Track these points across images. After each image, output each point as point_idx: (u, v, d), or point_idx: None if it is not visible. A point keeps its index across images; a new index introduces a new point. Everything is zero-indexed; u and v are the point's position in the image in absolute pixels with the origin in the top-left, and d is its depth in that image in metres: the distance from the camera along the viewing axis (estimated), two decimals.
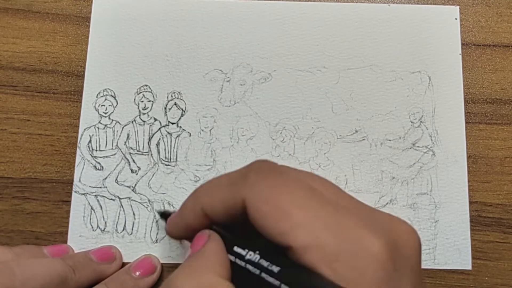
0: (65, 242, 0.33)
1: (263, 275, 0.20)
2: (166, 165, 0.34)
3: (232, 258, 0.22)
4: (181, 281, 0.21)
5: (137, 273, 0.31)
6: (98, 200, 0.33)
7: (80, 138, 0.34)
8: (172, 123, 0.35)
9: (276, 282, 0.19)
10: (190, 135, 0.34)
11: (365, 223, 0.20)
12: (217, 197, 0.23)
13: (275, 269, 0.20)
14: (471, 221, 0.33)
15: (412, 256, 0.21)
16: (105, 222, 0.33)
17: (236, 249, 0.22)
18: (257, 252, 0.21)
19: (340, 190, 0.23)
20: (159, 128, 0.35)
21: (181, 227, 0.25)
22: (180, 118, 0.35)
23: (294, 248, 0.20)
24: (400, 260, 0.20)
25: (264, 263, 0.20)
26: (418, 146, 0.34)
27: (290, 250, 0.20)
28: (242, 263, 0.21)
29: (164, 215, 0.28)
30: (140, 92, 0.35)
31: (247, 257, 0.21)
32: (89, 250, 0.32)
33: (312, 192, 0.21)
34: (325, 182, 0.23)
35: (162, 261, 0.32)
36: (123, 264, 0.32)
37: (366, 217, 0.21)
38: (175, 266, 0.32)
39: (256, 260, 0.20)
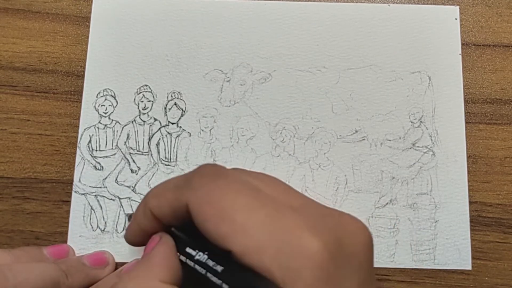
0: (65, 242, 0.33)
1: (208, 275, 0.21)
2: (166, 165, 0.34)
3: (183, 258, 0.22)
4: (128, 284, 0.21)
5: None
6: (98, 200, 0.33)
7: (80, 138, 0.34)
8: (172, 123, 0.35)
9: (218, 282, 0.20)
10: (190, 135, 0.34)
11: (307, 223, 0.20)
12: (164, 200, 0.23)
13: (219, 268, 0.20)
14: (471, 221, 0.33)
15: (360, 252, 0.21)
16: (105, 222, 0.33)
17: (187, 249, 0.22)
18: (206, 252, 0.21)
19: (291, 189, 0.23)
20: (159, 128, 0.35)
21: (135, 232, 0.25)
22: (180, 118, 0.35)
23: (234, 251, 0.20)
24: (344, 258, 0.20)
25: (210, 263, 0.21)
26: (418, 146, 0.34)
27: (232, 253, 0.20)
28: (191, 264, 0.22)
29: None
30: (140, 92, 0.35)
31: (196, 257, 0.22)
32: (82, 255, 0.32)
33: (256, 194, 0.21)
34: (275, 182, 0.23)
35: None
36: (119, 265, 0.32)
37: (311, 217, 0.21)
38: None
39: (204, 260, 0.21)
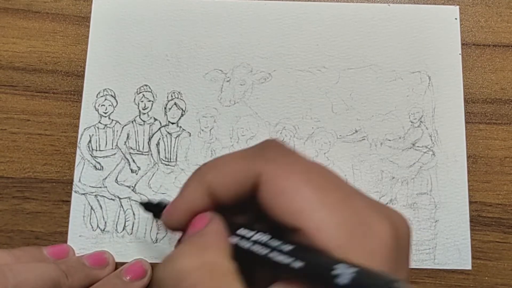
0: (65, 242, 0.33)
1: (272, 255, 0.19)
2: (166, 165, 0.34)
3: (235, 240, 0.21)
4: (182, 260, 0.20)
5: (128, 277, 0.31)
6: (98, 200, 0.33)
7: (80, 138, 0.34)
8: (172, 123, 0.35)
9: (288, 260, 0.19)
10: (190, 135, 0.34)
11: (373, 208, 0.20)
12: (229, 171, 0.21)
13: (287, 248, 0.19)
14: (471, 221, 0.33)
15: (408, 245, 0.22)
16: (105, 222, 0.33)
17: (242, 230, 0.21)
18: (267, 233, 0.20)
19: (344, 180, 0.23)
20: (159, 128, 0.35)
21: (182, 212, 0.23)
22: (180, 118, 0.35)
23: (305, 229, 0.19)
24: (400, 247, 0.20)
25: (274, 243, 0.20)
26: (418, 146, 0.34)
27: (299, 231, 0.19)
28: (247, 245, 0.20)
29: (149, 206, 0.26)
30: (140, 92, 0.35)
31: (255, 237, 0.20)
32: (82, 254, 0.32)
33: (326, 176, 0.21)
34: (332, 171, 0.23)
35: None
36: (119, 265, 0.32)
37: (372, 204, 0.21)
38: None
39: (265, 241, 0.20)
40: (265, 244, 0.20)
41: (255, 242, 0.20)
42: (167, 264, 0.20)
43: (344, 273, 0.17)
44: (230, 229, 0.21)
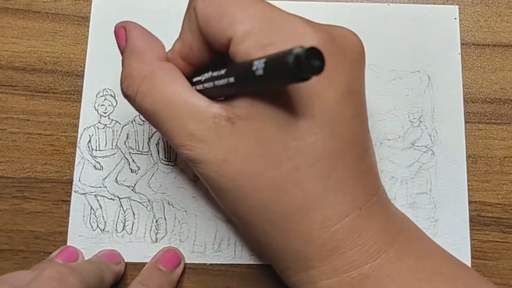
0: (65, 241, 0.33)
1: (216, 82, 0.22)
2: (165, 164, 0.34)
3: (198, 87, 0.23)
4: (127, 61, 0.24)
5: (164, 266, 0.31)
6: (98, 200, 0.33)
7: (80, 138, 0.34)
8: None
9: (224, 81, 0.21)
10: None
11: (303, 19, 0.22)
12: (183, 26, 0.24)
13: (223, 71, 0.21)
14: (470, 221, 0.33)
15: (351, 50, 0.23)
16: (105, 222, 0.33)
17: (194, 79, 0.24)
18: (210, 71, 0.22)
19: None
20: None
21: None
22: None
23: (234, 40, 0.21)
24: (336, 52, 0.22)
25: (215, 74, 0.22)
26: (417, 146, 0.34)
27: (231, 44, 0.21)
28: (201, 86, 0.23)
29: None
30: None
31: (203, 78, 0.23)
32: (96, 254, 0.32)
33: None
34: None
35: None
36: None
37: (297, 16, 0.22)
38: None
39: (209, 76, 0.22)
40: (210, 78, 0.22)
41: (204, 81, 0.23)
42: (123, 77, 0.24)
43: (259, 66, 0.18)
44: (191, 82, 0.24)
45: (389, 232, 0.23)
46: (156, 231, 0.33)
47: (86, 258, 0.32)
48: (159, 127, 0.24)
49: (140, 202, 0.33)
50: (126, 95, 0.25)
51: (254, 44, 0.20)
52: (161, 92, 0.23)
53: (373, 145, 0.26)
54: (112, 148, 0.34)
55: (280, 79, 0.18)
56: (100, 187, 0.34)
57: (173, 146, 0.24)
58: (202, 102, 0.22)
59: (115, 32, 0.26)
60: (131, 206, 0.33)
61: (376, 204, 0.23)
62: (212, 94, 0.23)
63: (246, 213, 0.23)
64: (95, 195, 0.33)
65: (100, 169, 0.34)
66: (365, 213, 0.22)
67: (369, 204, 0.23)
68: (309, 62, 0.17)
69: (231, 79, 0.20)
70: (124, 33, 0.26)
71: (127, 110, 0.35)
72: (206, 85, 0.23)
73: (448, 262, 0.25)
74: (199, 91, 0.23)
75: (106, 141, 0.34)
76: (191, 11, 0.23)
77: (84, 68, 0.35)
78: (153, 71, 0.24)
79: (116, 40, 0.26)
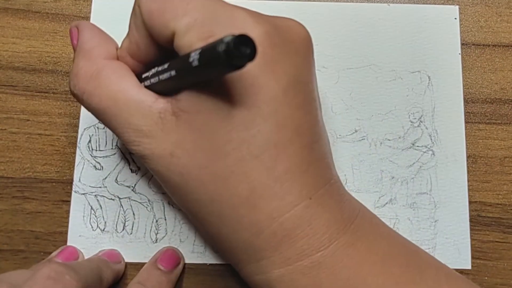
0: (65, 242, 0.33)
1: (161, 77, 0.22)
2: None
3: (146, 83, 0.24)
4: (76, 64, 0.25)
5: (163, 266, 0.31)
6: (98, 200, 0.33)
7: (80, 138, 0.34)
8: None
9: (167, 75, 0.21)
10: None
11: (248, 12, 0.22)
12: (130, 24, 0.24)
13: (166, 65, 0.22)
14: (470, 221, 0.33)
15: (297, 41, 0.23)
16: (105, 222, 0.33)
17: (142, 76, 0.24)
18: (155, 67, 0.23)
19: None
20: None
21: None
22: None
23: (177, 33, 0.21)
24: (282, 43, 0.22)
25: (160, 68, 0.22)
26: (417, 146, 0.34)
27: (175, 37, 0.21)
28: (148, 82, 0.23)
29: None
30: None
31: (150, 74, 0.23)
32: (96, 253, 0.32)
33: None
34: None
35: None
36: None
37: (250, 10, 0.22)
38: None
39: (155, 71, 0.23)
40: (155, 73, 0.23)
41: (151, 77, 0.23)
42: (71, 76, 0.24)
43: (195, 57, 0.19)
44: (140, 79, 0.24)
45: (342, 220, 0.23)
46: (156, 231, 0.33)
47: (86, 258, 0.32)
48: (108, 125, 0.24)
49: (140, 202, 0.33)
50: (73, 94, 0.25)
51: (197, 36, 0.21)
52: (107, 90, 0.23)
53: (326, 135, 0.26)
54: (112, 148, 0.34)
55: (214, 69, 0.18)
56: (100, 187, 0.34)
57: (123, 142, 0.24)
58: (148, 98, 0.23)
59: (69, 31, 0.27)
60: (131, 206, 0.33)
61: (328, 193, 0.23)
62: (159, 89, 0.23)
63: (195, 206, 0.23)
64: (95, 195, 0.33)
65: (100, 169, 0.34)
66: (314, 203, 0.22)
67: (320, 193, 0.23)
68: (239, 49, 0.17)
69: (173, 72, 0.21)
70: (76, 33, 0.26)
71: None
72: (153, 80, 0.23)
73: (401, 246, 0.25)
74: (148, 86, 0.24)
75: (106, 141, 0.34)
76: (136, 7, 0.23)
77: None
78: (99, 70, 0.24)
79: (70, 39, 0.26)
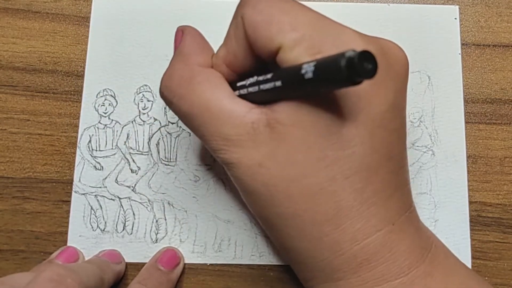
0: (65, 242, 0.33)
1: (262, 86, 0.22)
2: (166, 165, 0.34)
3: (239, 92, 0.24)
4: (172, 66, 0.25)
5: (163, 266, 0.31)
6: (98, 200, 0.33)
7: (80, 138, 0.34)
8: (172, 123, 0.35)
9: (271, 85, 0.21)
10: (190, 135, 0.34)
11: (352, 30, 0.22)
12: (229, 33, 0.24)
13: (269, 75, 0.21)
14: (470, 221, 0.33)
15: (398, 64, 0.23)
16: (105, 222, 0.33)
17: (238, 84, 0.24)
18: (255, 76, 0.23)
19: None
20: (159, 128, 0.35)
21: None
22: None
23: (284, 47, 0.21)
24: (385, 66, 0.22)
25: (261, 78, 0.22)
26: (417, 146, 0.34)
27: (280, 51, 0.21)
28: (245, 91, 0.23)
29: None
30: (140, 92, 0.35)
31: (248, 83, 0.23)
32: (96, 254, 0.32)
33: (300, 3, 0.22)
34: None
35: None
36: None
37: (345, 26, 0.22)
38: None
39: (255, 81, 0.22)
40: (255, 83, 0.22)
41: (249, 85, 0.23)
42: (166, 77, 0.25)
43: (308, 69, 0.18)
44: (233, 87, 0.24)
45: (420, 248, 0.23)
46: (156, 231, 0.33)
47: (86, 259, 0.32)
48: (194, 131, 0.24)
49: (140, 202, 0.33)
50: (162, 95, 0.25)
51: (305, 52, 0.20)
52: (199, 97, 0.23)
53: (408, 162, 0.25)
54: (112, 148, 0.34)
55: (331, 82, 0.18)
56: (100, 187, 0.34)
57: (208, 149, 0.24)
58: (242, 108, 0.22)
59: (175, 33, 0.27)
60: (131, 206, 0.33)
61: (409, 220, 0.23)
62: (255, 99, 0.23)
63: (275, 218, 0.23)
64: (96, 195, 0.33)
65: (100, 169, 0.34)
66: (397, 229, 0.22)
67: (402, 220, 0.23)
68: (362, 65, 0.17)
69: (278, 83, 0.20)
70: (180, 36, 0.26)
71: (127, 110, 0.35)
72: (251, 89, 0.22)
73: (473, 279, 0.25)
74: (243, 95, 0.23)
75: (106, 141, 0.34)
76: (239, 19, 0.23)
77: (84, 68, 0.35)
78: (193, 75, 0.24)
79: (174, 41, 0.27)
